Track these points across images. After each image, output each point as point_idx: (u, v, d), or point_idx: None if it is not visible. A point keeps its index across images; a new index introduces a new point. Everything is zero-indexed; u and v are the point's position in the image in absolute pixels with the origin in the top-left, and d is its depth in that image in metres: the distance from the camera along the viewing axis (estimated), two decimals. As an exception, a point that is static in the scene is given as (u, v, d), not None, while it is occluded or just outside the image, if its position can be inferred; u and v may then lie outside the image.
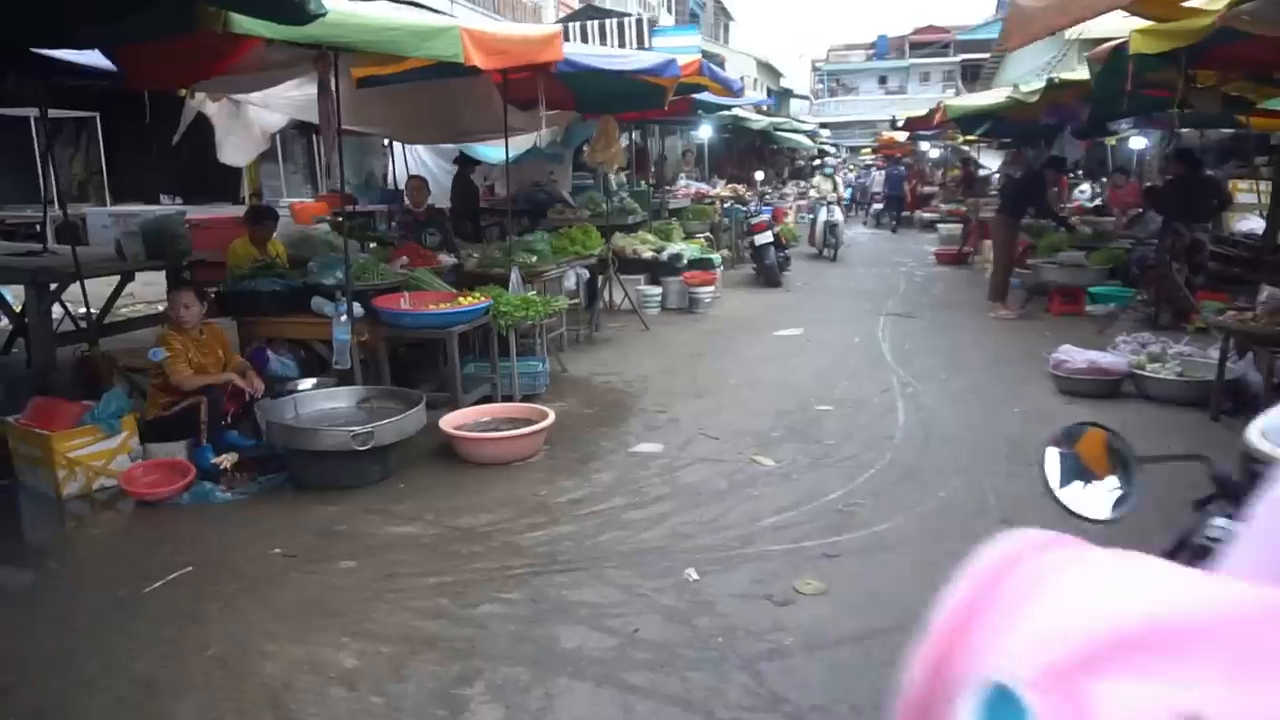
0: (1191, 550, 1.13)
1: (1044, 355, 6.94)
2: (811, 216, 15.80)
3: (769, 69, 40.59)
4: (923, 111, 14.69)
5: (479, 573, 3.72)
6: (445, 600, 3.49)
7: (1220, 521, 1.14)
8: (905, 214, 21.92)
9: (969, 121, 11.85)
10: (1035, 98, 8.28)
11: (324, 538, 4.13)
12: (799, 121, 25.12)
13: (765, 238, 12.18)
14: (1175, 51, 5.35)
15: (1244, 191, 12.00)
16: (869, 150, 34.70)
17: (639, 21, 14.43)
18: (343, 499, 4.52)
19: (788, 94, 45.94)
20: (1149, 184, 13.01)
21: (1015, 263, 9.81)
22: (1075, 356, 6.25)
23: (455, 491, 4.65)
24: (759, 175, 14.79)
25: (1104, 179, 15.14)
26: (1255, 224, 9.18)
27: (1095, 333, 8.40)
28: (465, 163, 10.82)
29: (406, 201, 8.29)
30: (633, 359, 7.74)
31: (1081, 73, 7.35)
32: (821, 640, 3.14)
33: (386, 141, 11.12)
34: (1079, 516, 1.35)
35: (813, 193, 16.61)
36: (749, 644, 3.11)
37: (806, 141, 21.57)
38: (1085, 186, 16.60)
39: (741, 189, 14.30)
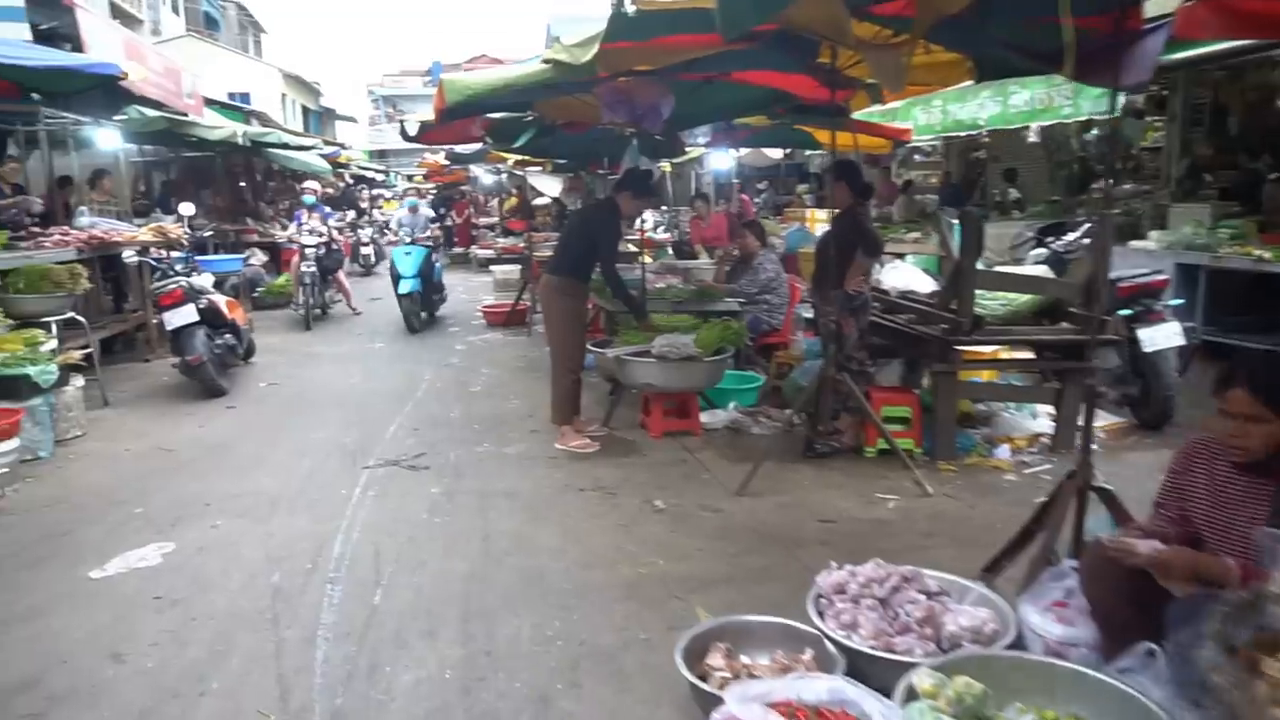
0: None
1: (672, 599, 2.82)
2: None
3: (301, 84, 34.32)
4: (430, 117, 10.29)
5: None
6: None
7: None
8: (460, 250, 19.20)
9: (503, 131, 7.67)
10: (588, 55, 4.10)
11: None
12: (307, 138, 19.57)
13: (183, 317, 6.97)
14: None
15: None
16: (421, 178, 30.42)
17: None
18: None
19: (330, 114, 40.02)
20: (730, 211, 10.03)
21: (582, 353, 5.70)
22: None
23: None
24: (187, 209, 9.06)
25: (681, 208, 12.14)
26: (911, 275, 6.14)
27: (733, 492, 4.61)
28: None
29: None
30: None
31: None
32: None
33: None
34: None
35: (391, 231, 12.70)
36: None
37: (320, 164, 16.12)
38: (647, 215, 13.64)
39: (173, 228, 8.78)
